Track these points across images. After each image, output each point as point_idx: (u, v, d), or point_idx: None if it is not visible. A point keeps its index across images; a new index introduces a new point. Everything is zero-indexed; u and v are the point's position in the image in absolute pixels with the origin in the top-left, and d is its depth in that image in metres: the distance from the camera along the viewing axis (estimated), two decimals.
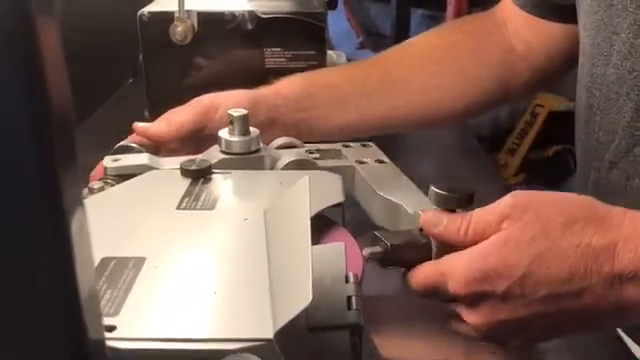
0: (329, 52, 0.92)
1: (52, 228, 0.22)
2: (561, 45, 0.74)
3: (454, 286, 0.46)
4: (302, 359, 0.38)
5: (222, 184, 0.54)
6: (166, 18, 0.81)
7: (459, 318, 0.48)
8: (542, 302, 0.45)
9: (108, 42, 1.13)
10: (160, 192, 0.53)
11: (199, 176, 0.55)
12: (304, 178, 0.44)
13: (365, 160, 0.61)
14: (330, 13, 0.91)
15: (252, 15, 0.83)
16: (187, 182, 0.54)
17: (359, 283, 0.42)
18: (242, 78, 0.73)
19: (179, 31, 0.81)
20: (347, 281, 0.41)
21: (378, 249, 0.48)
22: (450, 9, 2.33)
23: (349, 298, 0.40)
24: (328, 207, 0.51)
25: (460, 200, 0.49)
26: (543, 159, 2.39)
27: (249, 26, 0.83)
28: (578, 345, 0.58)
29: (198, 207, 0.50)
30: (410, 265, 0.49)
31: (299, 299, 0.34)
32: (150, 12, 0.82)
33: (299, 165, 0.59)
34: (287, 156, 0.59)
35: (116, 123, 0.75)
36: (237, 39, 0.84)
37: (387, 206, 0.55)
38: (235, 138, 0.58)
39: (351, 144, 0.65)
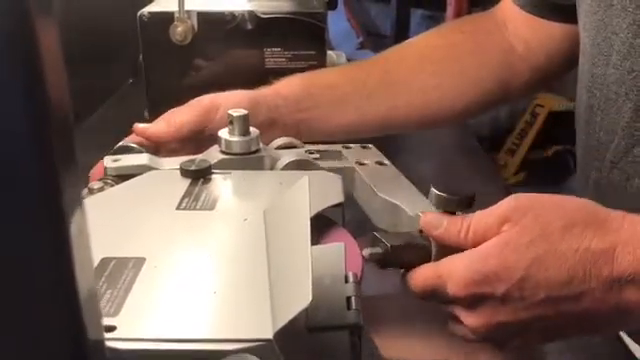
0: (329, 52, 0.92)
1: (51, 228, 0.22)
2: (561, 45, 0.74)
3: (453, 288, 0.46)
4: (302, 359, 0.38)
5: (222, 184, 0.54)
6: (166, 18, 0.81)
7: (457, 320, 0.48)
8: (541, 305, 0.45)
9: (108, 42, 1.13)
10: (160, 192, 0.53)
11: (199, 176, 0.55)
12: (304, 178, 0.44)
13: (365, 162, 0.61)
14: (330, 13, 0.91)
15: (252, 15, 0.83)
16: (187, 182, 0.54)
17: (359, 283, 0.42)
18: (242, 78, 0.73)
19: (179, 31, 0.81)
20: (347, 281, 0.41)
21: (378, 250, 0.48)
22: (450, 9, 2.33)
23: (349, 298, 0.40)
24: (328, 207, 0.51)
25: (460, 202, 0.49)
26: (543, 159, 2.39)
27: (249, 26, 0.83)
28: (579, 345, 0.58)
29: (198, 207, 0.50)
30: (409, 266, 0.49)
31: (299, 299, 0.34)
32: (150, 12, 0.82)
33: (299, 165, 0.59)
34: (287, 156, 0.59)
35: (116, 123, 0.75)
36: (237, 39, 0.84)
37: (387, 207, 0.54)
38: (235, 138, 0.58)
39: (351, 145, 0.65)
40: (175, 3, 0.80)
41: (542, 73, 0.77)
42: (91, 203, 0.51)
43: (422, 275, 0.48)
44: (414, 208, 0.52)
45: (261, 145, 0.60)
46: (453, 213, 0.49)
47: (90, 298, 0.24)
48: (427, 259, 0.48)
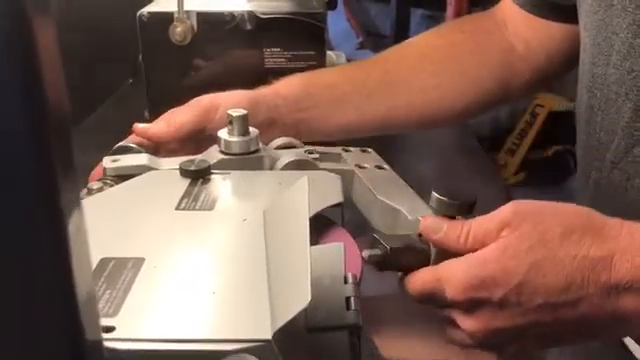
0: (329, 52, 0.92)
1: (49, 229, 0.22)
2: (561, 45, 0.74)
3: (451, 292, 0.46)
4: (301, 359, 0.38)
5: (221, 184, 0.54)
6: (165, 18, 0.81)
7: (455, 325, 0.48)
8: (538, 311, 0.45)
9: (108, 42, 1.13)
10: (159, 192, 0.53)
11: (198, 176, 0.54)
12: (303, 178, 0.44)
13: (364, 165, 0.61)
14: (330, 13, 0.91)
15: (251, 15, 0.83)
16: (186, 182, 0.54)
17: (358, 284, 0.42)
18: (242, 78, 0.73)
19: (178, 31, 0.81)
20: (346, 282, 0.41)
21: (377, 252, 0.48)
22: (450, 9, 2.33)
23: (348, 299, 0.40)
24: (327, 207, 0.51)
25: (461, 207, 0.49)
26: (543, 159, 2.40)
27: (248, 26, 0.83)
28: (579, 345, 0.58)
29: (197, 207, 0.50)
30: (408, 270, 0.49)
31: (298, 299, 0.34)
32: (149, 12, 0.82)
33: (298, 165, 0.59)
34: (286, 156, 0.59)
35: (116, 123, 0.75)
36: (236, 39, 0.84)
37: (387, 211, 0.54)
38: (234, 138, 0.58)
39: (350, 149, 0.65)
40: (174, 3, 0.80)
41: (542, 73, 0.77)
42: (90, 203, 0.51)
43: (421, 279, 0.48)
44: (413, 212, 0.52)
45: (260, 145, 0.60)
46: (453, 217, 0.49)
47: (88, 298, 0.24)
48: (426, 263, 0.48)
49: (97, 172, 0.58)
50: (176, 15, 0.80)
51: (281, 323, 0.34)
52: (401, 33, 2.22)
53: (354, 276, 0.42)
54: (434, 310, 0.50)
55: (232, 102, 0.64)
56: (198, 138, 0.64)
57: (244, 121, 0.58)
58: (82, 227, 0.23)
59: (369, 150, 0.65)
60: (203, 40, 0.83)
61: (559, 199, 0.49)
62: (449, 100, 0.75)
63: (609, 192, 0.62)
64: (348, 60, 1.01)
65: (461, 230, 0.47)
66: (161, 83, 0.85)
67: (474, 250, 0.46)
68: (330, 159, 0.62)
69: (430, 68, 0.75)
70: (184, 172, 0.55)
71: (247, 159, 0.58)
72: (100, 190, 0.54)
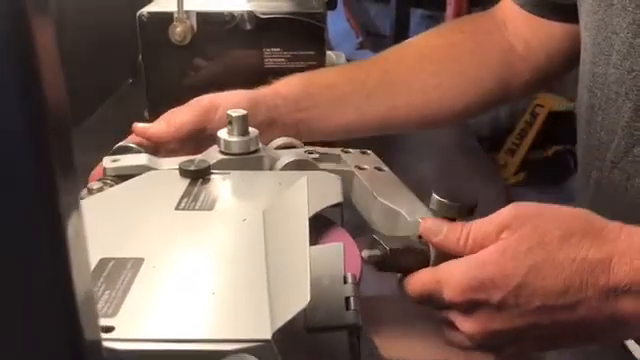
0: (328, 52, 0.92)
1: (48, 228, 0.22)
2: (561, 45, 0.74)
3: (450, 293, 0.46)
4: (300, 359, 0.38)
5: (221, 184, 0.54)
6: (165, 18, 0.81)
7: (453, 327, 0.48)
8: (536, 313, 0.45)
9: (108, 42, 1.13)
10: (159, 193, 0.53)
11: (198, 176, 0.54)
12: (303, 178, 0.44)
13: (364, 166, 0.61)
14: (330, 13, 0.91)
15: (251, 15, 0.83)
16: (186, 182, 0.54)
17: (357, 284, 0.42)
18: (241, 78, 0.73)
19: (178, 31, 0.81)
20: (345, 282, 0.41)
21: (376, 252, 0.48)
22: (450, 9, 2.33)
23: (347, 299, 0.40)
24: (327, 207, 0.51)
25: (461, 210, 0.49)
26: (543, 159, 2.39)
27: (248, 26, 0.83)
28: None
29: (197, 207, 0.50)
30: (407, 271, 0.49)
31: (297, 299, 0.34)
32: (149, 12, 0.82)
33: (298, 165, 0.59)
34: (286, 156, 0.59)
35: (115, 123, 0.75)
36: (236, 39, 0.84)
37: (386, 212, 0.54)
38: (234, 138, 0.58)
39: (350, 150, 0.65)
40: (174, 3, 0.80)
41: (542, 73, 0.77)
42: (90, 203, 0.51)
43: (420, 280, 0.48)
44: (413, 214, 0.52)
45: (260, 145, 0.60)
46: (453, 219, 0.49)
47: (87, 298, 0.23)
48: (425, 264, 0.48)
49: (97, 172, 0.58)
50: (176, 15, 0.80)
51: (280, 323, 0.34)
52: (401, 33, 2.22)
53: (354, 276, 0.42)
54: (433, 311, 0.50)
55: (232, 102, 0.64)
56: (198, 138, 0.64)
57: (244, 121, 0.58)
58: (81, 227, 0.23)
59: (368, 152, 0.65)
60: (203, 40, 0.83)
61: (559, 199, 0.49)
62: (449, 100, 0.75)
63: (609, 192, 0.63)
64: (348, 60, 1.01)
65: (461, 232, 0.47)
66: (161, 83, 0.85)
67: (474, 252, 0.46)
68: (329, 160, 0.62)
69: (430, 68, 0.75)
70: (184, 172, 0.55)
71: (247, 159, 0.58)
72: (100, 190, 0.54)
